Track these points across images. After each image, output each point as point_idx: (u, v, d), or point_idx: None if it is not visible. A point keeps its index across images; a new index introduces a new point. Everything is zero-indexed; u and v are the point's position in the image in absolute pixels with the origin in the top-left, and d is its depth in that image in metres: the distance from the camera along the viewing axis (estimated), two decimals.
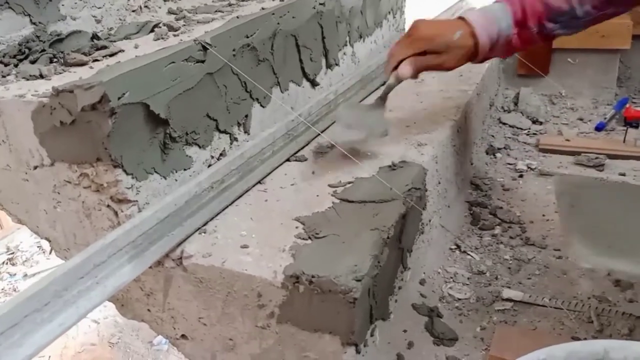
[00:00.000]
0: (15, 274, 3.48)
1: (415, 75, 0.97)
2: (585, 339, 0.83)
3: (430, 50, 0.95)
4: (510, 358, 0.76)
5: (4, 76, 0.90)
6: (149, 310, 0.89)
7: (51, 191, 0.85)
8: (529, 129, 1.55)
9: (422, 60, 0.95)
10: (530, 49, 1.05)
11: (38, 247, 3.67)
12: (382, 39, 1.54)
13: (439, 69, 0.98)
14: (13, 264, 3.60)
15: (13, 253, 3.67)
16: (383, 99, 1.04)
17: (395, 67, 0.97)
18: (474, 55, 0.97)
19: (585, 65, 1.71)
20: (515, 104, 1.66)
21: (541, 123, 1.58)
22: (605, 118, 1.50)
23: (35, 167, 0.84)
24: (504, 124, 1.58)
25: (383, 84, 1.40)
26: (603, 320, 0.86)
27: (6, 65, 0.94)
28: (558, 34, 1.00)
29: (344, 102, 1.19)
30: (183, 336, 0.87)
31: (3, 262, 3.60)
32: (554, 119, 1.61)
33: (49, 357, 2.68)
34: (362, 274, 0.70)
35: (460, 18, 0.97)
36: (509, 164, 1.37)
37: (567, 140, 1.43)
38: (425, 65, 0.96)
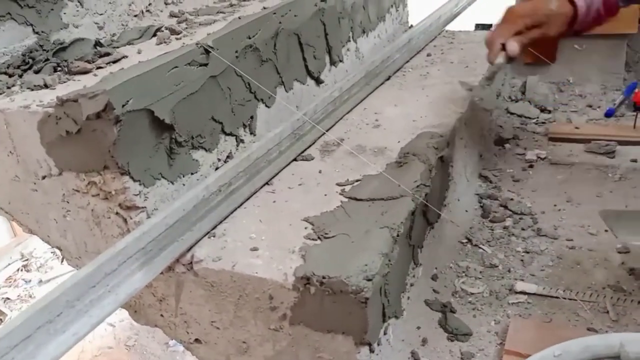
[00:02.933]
0: (30, 280, 3.51)
1: (522, 51, 0.98)
2: (601, 329, 0.82)
3: (531, 25, 0.97)
4: (526, 351, 0.76)
5: (8, 87, 0.90)
6: (161, 315, 0.89)
7: (60, 200, 0.86)
8: (538, 117, 1.54)
9: (526, 35, 0.97)
10: (607, 21, 1.07)
11: (52, 252, 3.70)
12: (386, 33, 1.53)
13: (543, 38, 0.99)
14: (28, 271, 3.63)
15: (27, 259, 3.70)
16: (490, 78, 1.03)
17: (501, 49, 0.98)
18: (573, 21, 0.98)
19: (592, 51, 1.69)
20: (523, 93, 1.65)
21: (550, 111, 1.56)
22: (614, 104, 1.49)
23: (44, 177, 0.85)
24: (512, 113, 1.57)
25: (389, 78, 1.39)
26: (619, 310, 0.85)
27: (10, 76, 0.94)
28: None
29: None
30: (197, 340, 0.87)
31: (18, 269, 3.64)
32: (563, 107, 1.59)
33: None
34: (372, 273, 0.69)
35: None
36: (518, 154, 1.36)
37: (577, 127, 1.42)
38: (530, 39, 0.98)
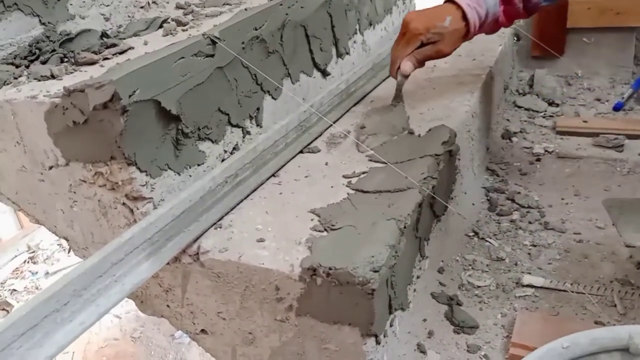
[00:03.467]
0: (37, 272, 3.53)
1: (418, 67, 1.04)
2: (608, 323, 0.82)
3: (426, 42, 1.01)
4: (533, 345, 0.76)
5: (15, 77, 0.90)
6: (168, 306, 0.89)
7: (67, 191, 0.86)
8: (545, 111, 1.53)
9: (420, 52, 1.02)
10: (512, 23, 1.12)
11: (58, 244, 3.72)
12: (393, 25, 1.53)
13: (438, 56, 1.03)
14: (34, 263, 3.65)
15: (34, 251, 3.72)
16: (398, 97, 1.08)
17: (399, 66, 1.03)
18: (466, 35, 1.04)
19: (600, 44, 1.67)
20: (531, 86, 1.64)
21: (557, 105, 1.55)
22: (623, 97, 1.47)
23: (51, 168, 0.85)
24: (520, 107, 1.56)
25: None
26: (626, 303, 0.85)
27: (17, 66, 0.94)
28: (542, 7, 1.07)
29: (367, 111, 1.14)
30: (203, 331, 0.87)
31: (25, 261, 3.66)
32: (571, 100, 1.58)
33: (73, 353, 2.73)
34: (379, 265, 0.69)
35: (449, 0, 1.02)
36: (526, 147, 1.35)
37: (585, 121, 1.41)
38: (424, 57, 1.03)
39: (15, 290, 3.39)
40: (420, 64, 1.03)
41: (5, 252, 3.64)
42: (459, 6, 1.00)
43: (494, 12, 1.03)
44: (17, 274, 3.55)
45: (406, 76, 1.03)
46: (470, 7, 1.00)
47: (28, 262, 3.65)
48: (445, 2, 1.04)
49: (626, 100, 1.46)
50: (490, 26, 1.07)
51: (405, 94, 1.09)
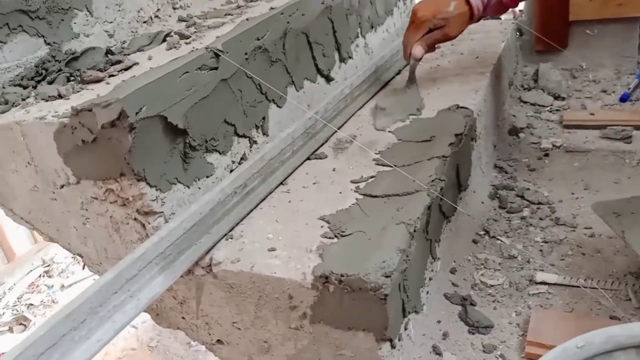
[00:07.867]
0: (52, 286, 3.57)
1: (428, 51, 1.15)
2: (623, 317, 0.82)
3: (433, 27, 1.12)
4: (548, 342, 0.76)
5: (23, 99, 0.92)
6: (183, 318, 0.90)
7: (79, 208, 0.87)
8: (551, 105, 1.52)
9: (429, 37, 1.13)
10: (513, 6, 1.20)
11: (73, 257, 3.74)
12: (394, 26, 1.53)
13: (445, 39, 1.15)
14: (50, 276, 3.69)
15: (49, 265, 3.76)
16: (411, 79, 1.21)
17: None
18: (471, 18, 1.13)
19: (604, 36, 1.67)
20: (535, 81, 1.63)
21: (563, 98, 1.55)
22: (629, 88, 1.46)
23: (62, 186, 0.86)
24: (525, 102, 1.56)
25: (399, 72, 1.38)
26: None
27: (25, 87, 0.95)
28: None
29: (381, 93, 1.26)
30: (219, 341, 0.88)
31: (40, 275, 3.69)
32: (577, 93, 1.57)
33: None
34: (391, 270, 0.69)
35: None
36: (533, 143, 1.35)
37: (592, 114, 1.40)
38: (433, 41, 1.14)
39: (31, 304, 3.42)
40: (430, 48, 1.14)
41: (21, 266, 3.68)
42: None
43: None
44: (33, 288, 3.58)
45: (418, 59, 1.14)
46: None
47: (43, 276, 3.68)
48: None
49: (632, 90, 1.45)
50: (494, 8, 1.15)
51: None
